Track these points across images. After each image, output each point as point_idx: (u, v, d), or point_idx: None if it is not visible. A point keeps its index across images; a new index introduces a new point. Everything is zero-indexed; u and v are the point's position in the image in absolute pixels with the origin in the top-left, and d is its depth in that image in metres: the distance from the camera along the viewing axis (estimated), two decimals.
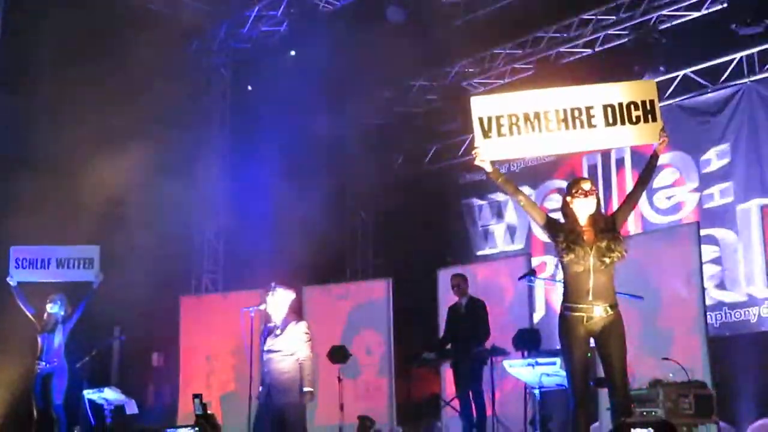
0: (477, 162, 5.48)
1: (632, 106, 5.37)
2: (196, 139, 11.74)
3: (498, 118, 5.47)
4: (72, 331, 8.83)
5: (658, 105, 5.38)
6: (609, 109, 5.39)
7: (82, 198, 9.62)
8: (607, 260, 5.20)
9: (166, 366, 11.10)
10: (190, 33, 11.41)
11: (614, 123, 5.39)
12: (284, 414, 7.08)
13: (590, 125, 5.42)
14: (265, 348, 7.25)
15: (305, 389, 7.13)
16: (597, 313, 5.20)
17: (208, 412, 7.57)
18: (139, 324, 10.24)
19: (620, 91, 5.41)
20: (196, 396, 7.61)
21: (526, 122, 5.46)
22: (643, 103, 5.35)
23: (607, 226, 5.29)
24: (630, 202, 5.43)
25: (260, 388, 7.21)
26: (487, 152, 5.43)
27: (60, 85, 9.37)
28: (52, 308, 8.87)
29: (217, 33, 11.38)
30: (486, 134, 5.46)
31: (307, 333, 7.29)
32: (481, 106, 5.52)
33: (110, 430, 8.83)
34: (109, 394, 8.89)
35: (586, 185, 5.36)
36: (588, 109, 5.43)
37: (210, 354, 10.57)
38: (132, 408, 9.07)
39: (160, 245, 10.48)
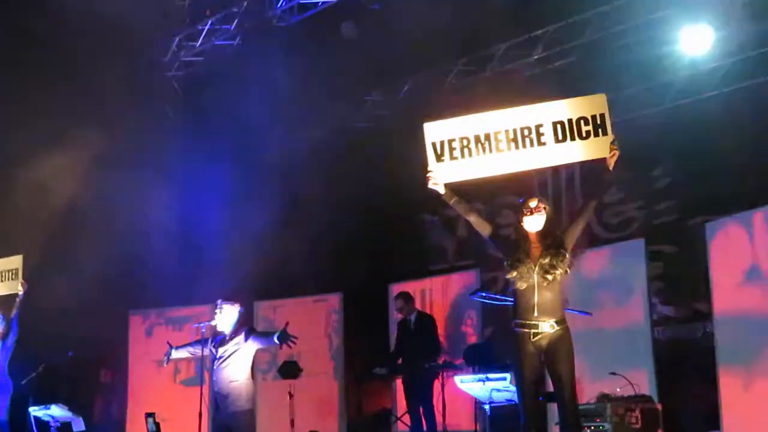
0: (430, 185, 5.61)
1: (582, 122, 5.44)
2: (146, 151, 11.62)
3: (450, 141, 5.63)
4: (17, 347, 8.63)
5: (609, 119, 5.43)
6: (558, 126, 5.47)
7: (27, 207, 9.47)
8: (550, 277, 5.27)
9: (114, 382, 10.95)
10: (141, 45, 11.31)
11: (564, 139, 5.46)
12: (233, 423, 7.05)
13: (540, 143, 5.51)
14: (218, 355, 7.24)
15: (279, 332, 7.03)
16: (543, 329, 5.28)
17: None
18: (87, 339, 10.09)
19: (570, 107, 5.50)
20: (149, 415, 7.54)
21: (477, 144, 5.60)
22: (593, 117, 5.42)
23: (554, 242, 5.35)
24: (580, 217, 5.48)
25: (210, 403, 7.19)
26: (440, 176, 5.58)
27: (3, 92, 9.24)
28: None
29: (169, 45, 11.29)
30: (438, 158, 5.62)
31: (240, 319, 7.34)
32: (434, 131, 5.67)
33: None
34: (56, 411, 8.76)
35: (533, 203, 5.45)
36: (537, 127, 5.52)
37: (160, 370, 10.44)
38: (79, 425, 8.95)
39: (109, 259, 10.36)
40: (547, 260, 5.28)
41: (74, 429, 8.95)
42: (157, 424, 7.46)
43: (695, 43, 9.60)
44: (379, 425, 10.43)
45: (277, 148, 11.75)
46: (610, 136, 5.37)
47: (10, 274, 8.69)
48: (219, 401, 7.14)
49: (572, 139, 5.44)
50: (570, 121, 5.45)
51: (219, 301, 7.40)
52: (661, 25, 10.06)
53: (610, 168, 5.37)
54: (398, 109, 12.25)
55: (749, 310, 7.44)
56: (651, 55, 10.25)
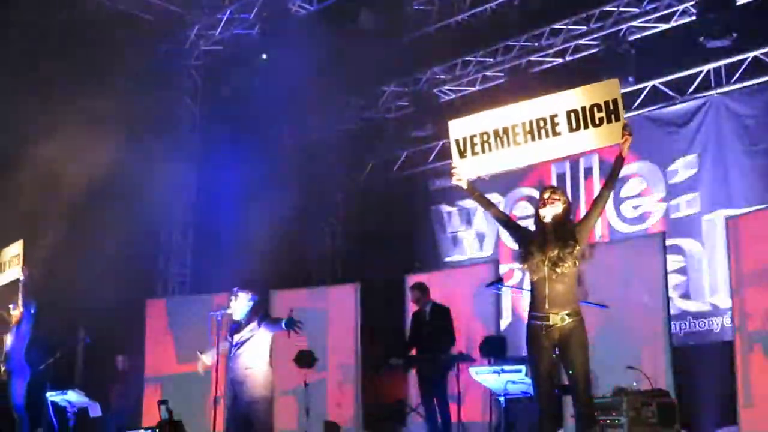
0: (454, 181, 5.68)
1: (595, 109, 5.38)
2: (166, 140, 11.67)
3: (472, 137, 5.70)
4: (35, 332, 8.70)
5: (621, 104, 5.34)
6: (572, 115, 5.44)
7: (48, 194, 9.52)
8: (558, 270, 5.23)
9: (130, 369, 11.00)
10: (160, 34, 11.34)
11: (578, 128, 5.41)
12: (250, 410, 7.07)
13: (555, 133, 5.48)
14: (234, 342, 7.26)
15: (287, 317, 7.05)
16: (554, 321, 5.24)
17: (175, 419, 7.53)
18: (104, 326, 10.14)
19: (583, 95, 5.45)
20: (162, 402, 7.56)
21: (496, 138, 5.64)
22: (606, 103, 5.35)
23: (566, 234, 5.30)
24: (595, 207, 5.40)
25: (226, 391, 7.20)
26: (463, 171, 5.65)
27: (26, 82, 9.28)
28: (9, 311, 8.79)
29: (188, 35, 11.32)
30: (462, 154, 5.72)
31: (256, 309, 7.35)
32: (458, 128, 5.76)
33: None
34: (73, 397, 8.80)
35: (546, 194, 5.42)
36: (552, 117, 5.50)
37: (176, 358, 10.49)
38: (95, 411, 9.00)
39: (127, 246, 10.41)
40: (555, 252, 5.25)
41: (91, 414, 9.00)
42: (170, 412, 7.47)
43: (718, 35, 9.51)
44: (394, 416, 10.41)
45: (296, 138, 11.77)
46: (623, 122, 5.32)
47: (15, 260, 8.77)
48: (236, 389, 7.15)
49: (586, 127, 5.38)
50: (583, 109, 5.41)
51: (235, 289, 7.41)
52: (683, 17, 10.00)
53: (624, 154, 5.28)
54: (417, 100, 12.24)
55: (767, 305, 7.37)
56: (673, 47, 10.17)
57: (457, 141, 5.74)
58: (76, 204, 9.78)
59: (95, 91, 9.74)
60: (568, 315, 5.23)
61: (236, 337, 7.26)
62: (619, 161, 5.33)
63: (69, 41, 10.02)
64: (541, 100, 5.59)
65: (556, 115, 5.47)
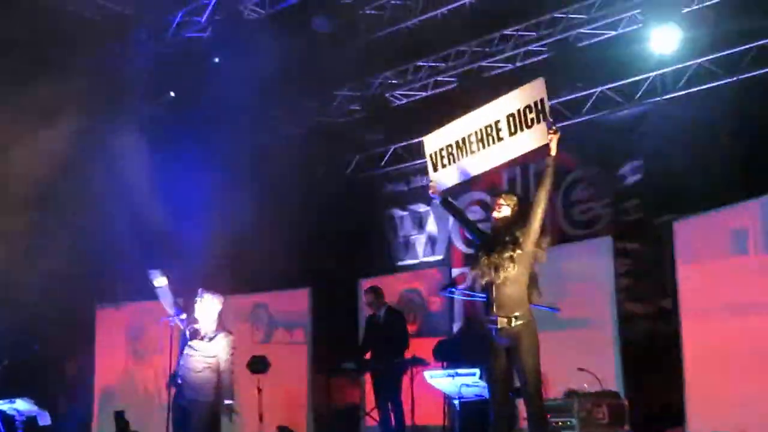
0: (431, 194, 5.88)
1: (527, 110, 5.47)
2: (115, 143, 11.52)
3: (440, 150, 5.91)
4: None
5: (547, 102, 5.37)
6: (510, 119, 5.54)
7: None
8: (501, 274, 5.29)
9: (80, 376, 10.85)
10: (111, 36, 11.20)
11: (515, 131, 5.51)
12: (191, 410, 7.01)
13: (498, 138, 5.60)
14: (186, 346, 7.20)
15: (226, 402, 7.08)
16: (501, 324, 5.31)
17: (131, 429, 7.49)
18: (53, 332, 9.99)
19: (518, 98, 5.55)
20: (118, 413, 7.50)
21: (457, 149, 5.83)
22: (536, 104, 5.43)
23: (510, 239, 5.36)
24: (534, 210, 5.36)
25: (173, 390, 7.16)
26: (438, 184, 5.87)
27: None
28: None
29: (139, 37, 11.19)
30: (435, 167, 5.96)
31: (233, 347, 7.28)
32: (431, 142, 5.98)
33: None
34: (21, 405, 8.67)
35: (495, 199, 5.53)
36: (496, 123, 5.62)
37: (126, 364, 10.39)
38: (45, 419, 8.87)
39: (76, 250, 10.25)
40: (495, 257, 5.32)
41: (40, 423, 8.87)
42: (127, 422, 7.42)
43: (664, 43, 9.71)
44: (347, 420, 10.43)
45: (249, 141, 11.70)
46: (549, 120, 5.36)
47: None
48: (183, 389, 7.10)
49: (521, 129, 5.47)
50: (519, 111, 5.50)
51: (200, 290, 7.36)
52: (630, 24, 10.18)
53: (552, 152, 5.31)
54: (369, 104, 12.27)
55: (714, 307, 7.54)
56: (620, 54, 10.35)
57: (430, 155, 5.96)
58: (22, 206, 9.62)
59: (43, 89, 9.59)
60: (516, 318, 5.28)
61: (196, 343, 7.19)
62: (549, 159, 5.34)
63: (17, 40, 9.86)
64: (489, 107, 5.70)
65: (498, 121, 5.59)
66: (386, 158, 12.87)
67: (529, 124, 5.41)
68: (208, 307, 7.28)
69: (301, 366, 10.23)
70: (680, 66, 10.07)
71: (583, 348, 8.10)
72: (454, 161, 5.80)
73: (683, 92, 10.12)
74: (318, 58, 10.75)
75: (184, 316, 7.38)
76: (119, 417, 7.26)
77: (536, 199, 5.37)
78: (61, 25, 9.92)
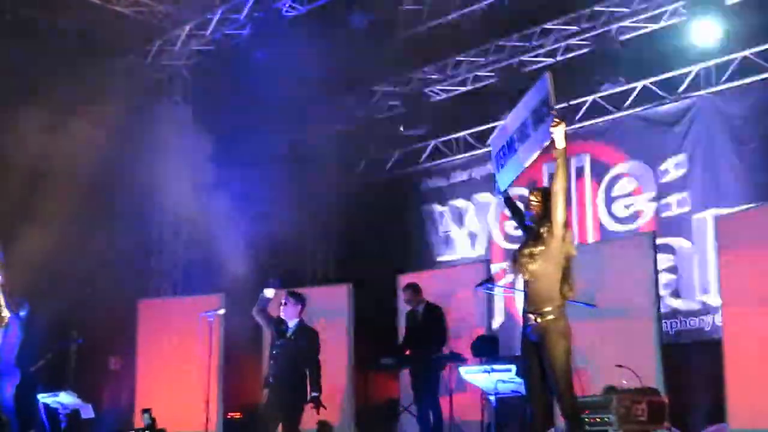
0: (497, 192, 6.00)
1: (541, 105, 5.39)
2: (157, 139, 11.66)
3: (498, 150, 6.06)
4: (25, 334, 8.65)
5: (552, 95, 5.26)
6: (533, 115, 5.50)
7: (39, 194, 9.50)
8: (529, 269, 5.25)
9: (123, 370, 11.00)
10: (151, 34, 11.33)
11: (536, 127, 5.44)
12: (283, 412, 7.18)
13: (527, 135, 5.57)
14: (276, 343, 7.47)
15: (314, 394, 7.32)
16: (530, 321, 5.28)
17: (157, 428, 7.60)
18: (96, 326, 10.14)
19: (535, 94, 5.50)
20: (145, 411, 7.59)
21: (506, 147, 5.87)
22: (546, 98, 5.33)
23: (537, 236, 5.33)
24: (553, 204, 5.24)
25: (268, 380, 7.39)
26: (500, 181, 5.97)
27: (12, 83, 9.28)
28: None
29: (179, 35, 11.31)
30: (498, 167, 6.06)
31: (317, 339, 7.53)
32: (492, 142, 6.19)
33: None
34: (65, 398, 8.79)
35: (529, 195, 5.48)
36: (525, 120, 5.60)
37: (169, 359, 10.49)
38: (88, 412, 8.99)
39: (118, 245, 10.39)
40: (523, 254, 5.29)
41: (83, 416, 8.99)
42: (153, 419, 7.52)
43: (707, 35, 9.55)
44: (386, 415, 10.44)
45: (288, 138, 11.77)
46: (552, 112, 5.26)
47: None
48: (278, 388, 7.32)
49: (539, 124, 5.38)
50: (536, 108, 5.44)
51: (284, 296, 7.58)
52: (673, 17, 10.04)
53: (557, 144, 5.18)
54: (408, 100, 12.25)
55: (757, 304, 7.40)
56: (663, 47, 10.21)
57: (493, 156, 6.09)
58: (66, 202, 9.76)
59: (87, 90, 9.73)
60: (544, 314, 5.22)
61: (281, 341, 7.40)
62: (555, 152, 5.19)
63: (59, 40, 10.03)
64: (521, 104, 5.68)
65: (527, 118, 5.56)
66: (426, 154, 12.85)
67: (543, 119, 5.35)
68: (290, 311, 7.52)
69: (341, 361, 10.24)
70: (724, 59, 9.90)
71: (622, 344, 8.00)
72: (506, 159, 5.78)
73: (727, 85, 9.94)
74: (357, 55, 10.76)
75: (222, 311, 7.53)
76: (146, 413, 7.37)
77: (552, 194, 5.26)
78: (105, 21, 10.06)
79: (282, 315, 7.63)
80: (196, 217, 11.32)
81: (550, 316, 5.21)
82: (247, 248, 10.55)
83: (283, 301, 7.63)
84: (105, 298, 10.02)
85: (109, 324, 10.46)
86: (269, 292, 7.70)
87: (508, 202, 5.76)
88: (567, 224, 5.28)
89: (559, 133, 5.17)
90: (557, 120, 5.17)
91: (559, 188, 5.21)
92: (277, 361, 7.44)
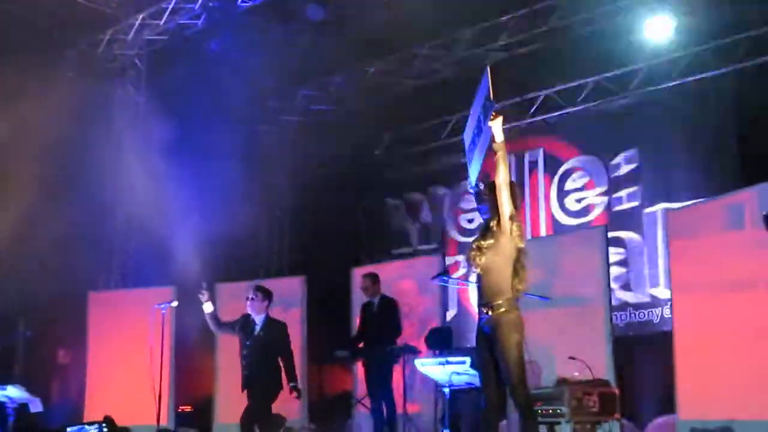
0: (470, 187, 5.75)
1: (486, 100, 5.41)
2: (109, 129, 11.50)
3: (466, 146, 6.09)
4: None
5: (490, 90, 5.27)
6: (482, 110, 5.50)
7: None
8: (477, 262, 5.29)
9: (72, 363, 10.84)
10: (103, 23, 11.16)
11: (485, 122, 5.40)
12: (260, 411, 7.19)
13: (481, 130, 5.58)
14: (246, 343, 7.52)
15: (291, 384, 7.48)
16: (482, 314, 5.31)
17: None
18: (45, 318, 9.98)
19: (482, 90, 5.52)
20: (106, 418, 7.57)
21: (470, 143, 5.92)
22: (488, 94, 5.35)
23: (488, 230, 5.37)
24: (498, 198, 5.27)
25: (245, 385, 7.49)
26: (470, 176, 5.86)
27: None
28: None
29: (132, 24, 11.15)
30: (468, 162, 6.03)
31: (287, 330, 7.69)
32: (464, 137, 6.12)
33: (13, 429, 8.57)
34: (13, 392, 8.63)
35: (482, 190, 5.48)
36: (478, 115, 5.62)
37: (119, 351, 10.37)
38: (36, 406, 8.83)
39: (68, 237, 10.22)
40: (476, 247, 5.33)
41: (31, 410, 8.83)
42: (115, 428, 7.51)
43: (658, 32, 9.69)
44: (340, 408, 10.44)
45: (243, 130, 11.67)
46: (490, 105, 5.25)
47: None
48: (252, 386, 7.41)
49: (486, 120, 5.35)
50: (483, 104, 5.46)
51: (251, 291, 7.62)
52: (625, 14, 10.16)
53: (495, 138, 5.19)
54: (363, 93, 12.24)
55: (705, 296, 7.54)
56: (615, 44, 10.33)
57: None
58: (14, 192, 9.59)
59: (37, 77, 9.56)
60: (496, 306, 5.24)
61: (250, 336, 7.50)
62: (494, 145, 5.20)
63: (12, 26, 9.84)
64: (476, 100, 5.68)
65: (479, 113, 5.58)
66: (382, 146, 12.86)
67: (488, 113, 5.35)
68: (258, 306, 7.59)
69: (294, 354, 10.21)
70: (674, 56, 10.05)
71: (574, 336, 8.09)
72: (472, 153, 5.79)
73: (677, 82, 10.09)
74: (312, 46, 10.72)
75: (175, 303, 7.49)
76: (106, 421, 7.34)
77: (497, 188, 5.27)
78: (56, 8, 9.90)
79: (248, 310, 7.59)
80: (149, 209, 11.20)
81: (502, 309, 5.23)
82: (200, 240, 10.46)
83: (250, 296, 7.60)
84: (54, 289, 9.84)
85: (59, 316, 10.30)
86: (208, 307, 7.69)
87: (477, 196, 5.71)
88: (514, 217, 5.28)
89: (496, 126, 5.19)
90: (494, 114, 5.18)
91: (501, 182, 5.23)
92: (249, 362, 7.44)
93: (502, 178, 5.23)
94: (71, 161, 10.23)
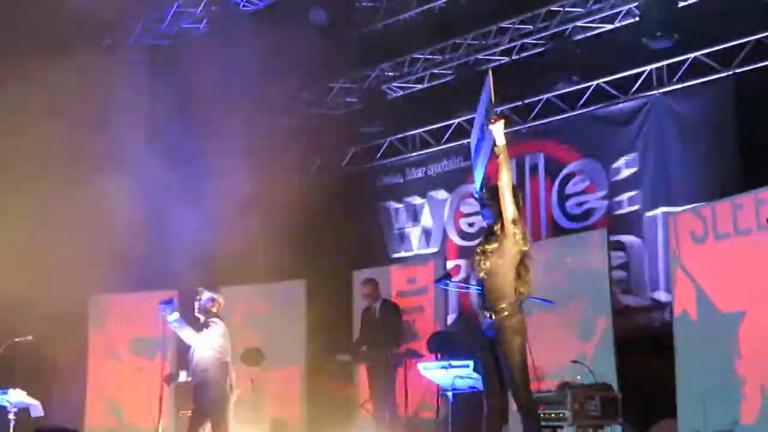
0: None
1: (489, 105, 5.42)
2: (111, 135, 11.49)
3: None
4: None
5: (492, 94, 5.29)
6: (485, 115, 5.52)
7: None
8: (483, 266, 5.29)
9: (73, 367, 10.83)
10: (105, 27, 11.17)
11: (488, 127, 5.43)
12: (208, 412, 7.16)
13: (484, 134, 5.59)
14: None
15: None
16: (485, 318, 5.32)
17: None
18: (46, 322, 9.96)
19: (484, 96, 5.52)
20: None
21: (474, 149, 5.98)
22: (491, 99, 5.37)
23: (491, 234, 5.37)
24: (501, 202, 5.28)
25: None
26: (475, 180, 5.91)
27: None
28: None
29: (134, 28, 11.17)
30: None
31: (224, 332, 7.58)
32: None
33: None
34: (13, 397, 8.63)
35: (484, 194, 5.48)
36: (482, 121, 5.64)
37: (120, 355, 10.37)
38: (37, 411, 8.83)
39: (68, 242, 10.23)
40: (480, 251, 5.34)
41: (32, 414, 8.83)
42: None
43: (660, 36, 9.69)
44: (342, 412, 10.44)
45: (244, 134, 11.68)
46: (492, 110, 5.28)
47: None
48: (194, 388, 7.45)
49: (489, 124, 5.36)
50: (486, 108, 5.47)
51: (200, 289, 7.51)
52: (627, 18, 10.17)
53: (497, 142, 5.21)
54: (364, 97, 12.25)
55: (708, 300, 7.54)
56: (616, 47, 10.35)
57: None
58: (16, 196, 9.60)
59: (37, 82, 9.57)
60: (500, 310, 5.25)
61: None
62: (496, 149, 5.21)
63: (11, 32, 9.84)
64: (479, 105, 5.70)
65: (483, 119, 5.60)
66: (382, 151, 12.86)
67: (489, 118, 5.36)
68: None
69: (295, 358, 10.22)
70: (676, 59, 10.06)
71: (576, 340, 8.10)
72: (476, 159, 5.82)
73: (678, 86, 10.10)
74: (314, 51, 10.73)
75: (176, 315, 7.55)
76: None
77: (498, 192, 5.28)
78: (55, 13, 9.90)
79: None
80: (150, 213, 11.21)
81: (505, 313, 5.25)
82: (200, 244, 10.48)
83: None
84: (55, 293, 9.84)
85: (60, 320, 10.29)
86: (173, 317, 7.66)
87: (480, 201, 5.70)
88: (516, 220, 5.28)
89: (497, 130, 5.19)
90: (495, 117, 5.20)
91: (503, 184, 5.24)
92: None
93: (505, 181, 5.24)
94: (71, 165, 10.23)
